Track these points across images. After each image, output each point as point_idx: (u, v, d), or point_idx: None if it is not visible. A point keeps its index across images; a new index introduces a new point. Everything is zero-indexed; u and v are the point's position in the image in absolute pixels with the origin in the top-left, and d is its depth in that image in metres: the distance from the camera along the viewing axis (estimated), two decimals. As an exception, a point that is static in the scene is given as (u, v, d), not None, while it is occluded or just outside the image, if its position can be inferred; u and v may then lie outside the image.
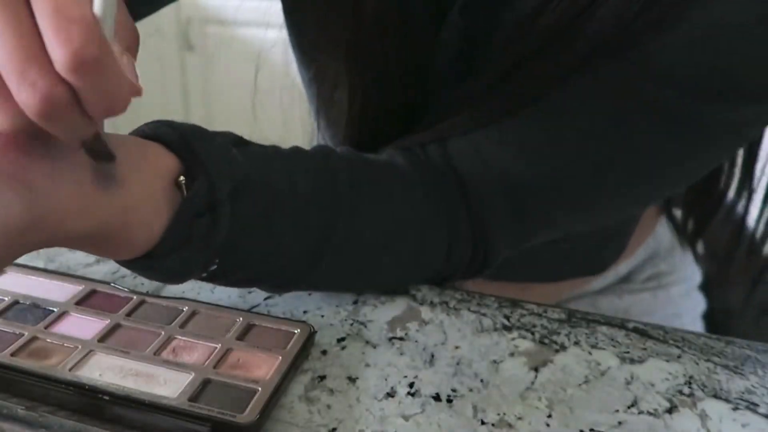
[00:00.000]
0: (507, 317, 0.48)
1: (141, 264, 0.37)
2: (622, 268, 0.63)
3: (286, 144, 0.46)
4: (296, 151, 0.45)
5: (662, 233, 0.65)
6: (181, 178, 0.36)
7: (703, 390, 0.42)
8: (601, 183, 0.46)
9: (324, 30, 0.55)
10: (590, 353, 0.45)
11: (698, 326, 0.66)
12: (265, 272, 0.43)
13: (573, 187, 0.47)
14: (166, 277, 0.39)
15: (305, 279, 0.45)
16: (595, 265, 0.63)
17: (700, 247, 0.67)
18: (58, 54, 0.25)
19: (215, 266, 0.39)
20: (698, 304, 0.67)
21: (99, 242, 0.34)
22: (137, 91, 0.28)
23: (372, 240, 0.45)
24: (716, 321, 0.67)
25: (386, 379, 0.42)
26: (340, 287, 0.49)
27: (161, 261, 0.37)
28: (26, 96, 0.26)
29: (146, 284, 0.51)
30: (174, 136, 0.37)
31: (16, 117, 0.27)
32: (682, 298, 0.65)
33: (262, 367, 0.41)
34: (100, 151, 0.31)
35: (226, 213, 0.37)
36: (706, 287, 0.68)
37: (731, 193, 0.59)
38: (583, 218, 0.50)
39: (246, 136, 0.45)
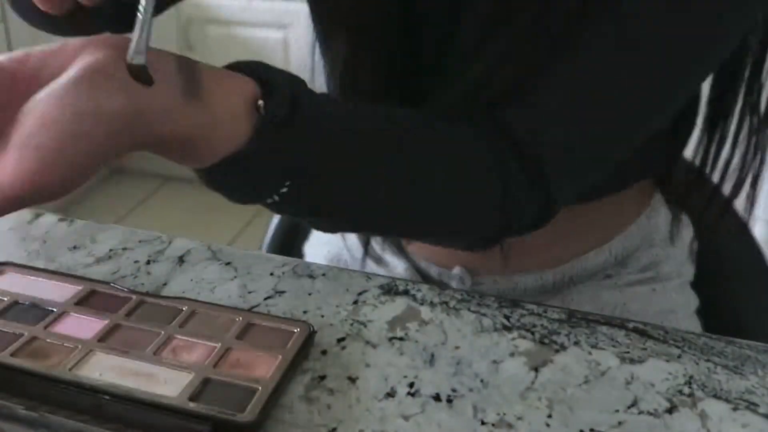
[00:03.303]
0: (507, 317, 0.48)
1: (221, 170, 0.38)
2: (617, 246, 0.63)
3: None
4: (360, 105, 0.46)
5: (656, 215, 0.65)
6: (260, 101, 0.37)
7: (703, 390, 0.42)
8: (653, 90, 0.48)
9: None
10: (590, 353, 0.45)
11: (693, 322, 0.66)
12: (334, 203, 0.43)
13: (630, 105, 0.48)
14: (243, 186, 0.39)
15: (369, 213, 0.45)
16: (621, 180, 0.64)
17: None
18: None
19: (286, 188, 0.40)
20: (692, 300, 0.67)
21: (186, 148, 0.36)
22: None
23: (433, 176, 0.45)
24: (710, 317, 0.67)
25: (386, 379, 0.42)
26: (396, 222, 0.49)
27: (243, 165, 0.37)
28: None
29: (146, 284, 0.51)
30: (250, 67, 0.39)
31: None
32: (676, 294, 0.65)
33: (261, 367, 0.41)
34: (141, 74, 0.33)
35: (306, 111, 0.38)
36: (699, 284, 0.68)
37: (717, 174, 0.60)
38: (641, 129, 0.51)
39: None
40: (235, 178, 0.38)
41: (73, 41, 0.35)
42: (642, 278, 0.64)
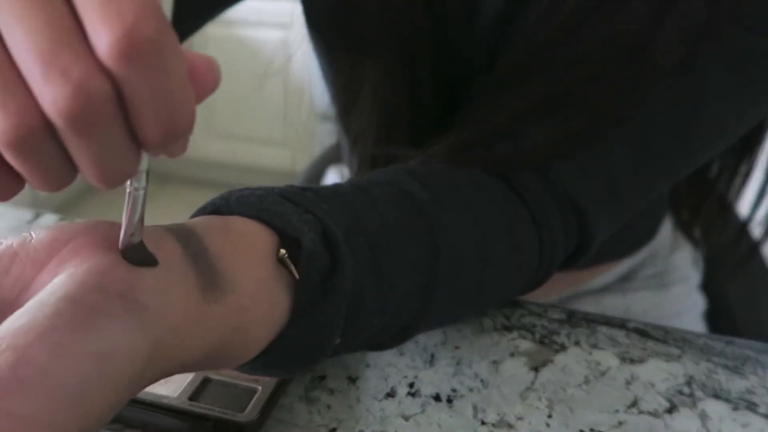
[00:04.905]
0: (507, 317, 0.48)
1: (264, 360, 0.31)
2: (623, 266, 0.63)
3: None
4: (360, 186, 0.38)
5: (662, 234, 0.65)
6: (282, 251, 0.30)
7: (703, 390, 0.42)
8: (687, 143, 0.45)
9: (348, 26, 0.53)
10: (590, 353, 0.45)
11: (698, 326, 0.66)
12: (382, 327, 0.36)
13: (666, 157, 0.45)
14: (295, 364, 0.32)
15: (421, 321, 0.38)
16: (629, 245, 0.63)
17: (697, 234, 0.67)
18: (102, 34, 0.19)
19: (338, 340, 0.32)
20: (698, 303, 0.67)
21: (218, 357, 0.29)
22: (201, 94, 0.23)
23: (471, 255, 0.40)
24: (716, 319, 0.67)
25: (386, 379, 0.42)
26: (450, 320, 0.44)
27: (291, 344, 0.31)
28: (53, 88, 0.20)
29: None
30: (252, 207, 0.31)
31: (27, 118, 0.20)
32: (682, 297, 0.65)
33: (262, 367, 0.41)
34: (143, 255, 0.26)
35: (348, 257, 0.31)
36: (705, 287, 0.68)
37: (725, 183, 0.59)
38: (670, 182, 0.49)
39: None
40: (280, 361, 0.32)
41: (39, 238, 0.26)
42: (645, 285, 0.64)
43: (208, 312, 0.27)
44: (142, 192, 0.26)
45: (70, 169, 0.23)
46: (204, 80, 0.23)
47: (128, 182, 0.25)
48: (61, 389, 0.22)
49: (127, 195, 0.26)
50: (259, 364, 0.31)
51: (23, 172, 0.22)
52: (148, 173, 0.25)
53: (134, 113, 0.21)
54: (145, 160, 0.25)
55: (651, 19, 0.42)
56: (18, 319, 0.22)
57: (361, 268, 0.32)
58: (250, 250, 0.29)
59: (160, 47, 0.20)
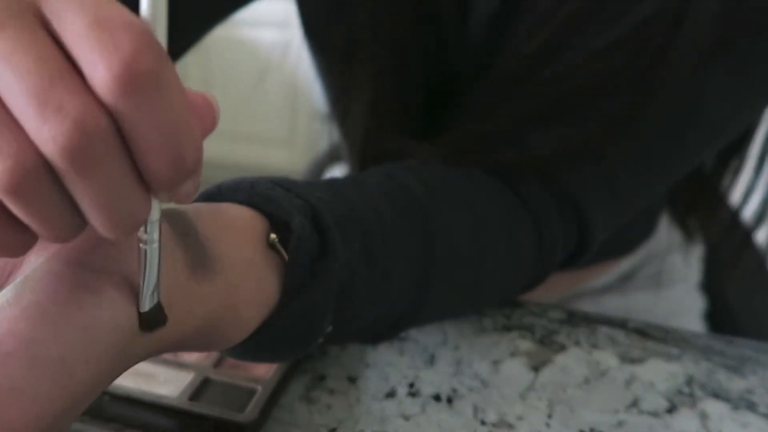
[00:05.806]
0: (507, 317, 0.48)
1: (256, 342, 0.31)
2: (622, 266, 0.63)
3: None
4: (356, 179, 0.38)
5: (661, 233, 0.65)
6: (272, 236, 0.30)
7: (703, 390, 0.42)
8: (687, 144, 0.45)
9: (341, 23, 0.53)
10: (590, 353, 0.45)
11: (698, 326, 0.66)
12: (376, 318, 0.36)
13: (666, 157, 0.45)
14: (285, 348, 0.32)
15: (416, 315, 0.38)
16: (628, 244, 0.63)
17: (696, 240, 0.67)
18: (100, 68, 0.19)
19: (330, 326, 0.33)
20: (698, 303, 0.67)
21: (208, 335, 0.29)
22: (207, 129, 0.22)
23: (468, 250, 0.40)
24: (716, 319, 0.67)
25: (386, 379, 0.42)
26: (446, 316, 0.45)
27: (281, 326, 0.31)
28: (50, 126, 0.19)
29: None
30: (244, 192, 0.31)
31: (23, 160, 0.19)
32: (682, 297, 0.65)
33: (261, 367, 0.41)
34: (156, 317, 0.25)
35: (338, 241, 0.31)
36: (705, 286, 0.68)
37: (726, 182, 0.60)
38: (669, 182, 0.49)
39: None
40: (270, 344, 0.31)
41: None
42: (646, 285, 0.64)
43: (197, 290, 0.27)
44: (156, 246, 0.24)
45: (77, 215, 0.22)
46: (204, 115, 0.22)
47: (140, 236, 0.24)
48: (45, 360, 0.22)
49: (140, 251, 0.24)
50: (250, 346, 0.31)
51: (27, 221, 0.21)
52: (160, 225, 0.24)
53: (138, 149, 0.20)
54: (156, 209, 0.23)
55: (665, 23, 0.41)
56: (3, 295, 0.23)
57: (352, 254, 0.32)
58: (240, 233, 0.29)
59: (160, 79, 0.19)
